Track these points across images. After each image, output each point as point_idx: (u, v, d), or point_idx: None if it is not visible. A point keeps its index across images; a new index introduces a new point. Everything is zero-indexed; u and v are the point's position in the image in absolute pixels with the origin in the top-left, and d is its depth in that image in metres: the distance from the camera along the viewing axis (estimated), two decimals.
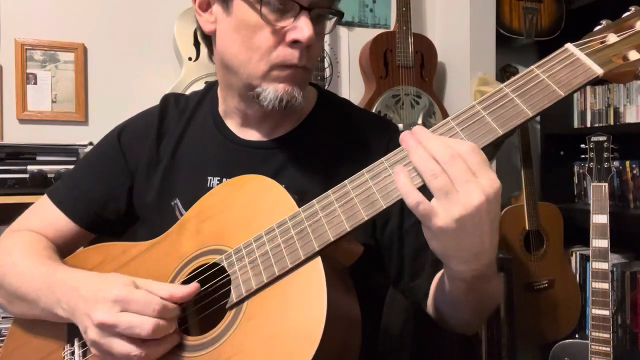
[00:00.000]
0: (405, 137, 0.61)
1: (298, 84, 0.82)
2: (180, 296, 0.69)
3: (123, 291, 0.68)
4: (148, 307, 0.67)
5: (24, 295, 0.80)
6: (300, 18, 0.77)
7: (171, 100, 1.00)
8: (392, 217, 0.87)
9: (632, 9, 0.62)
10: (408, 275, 0.87)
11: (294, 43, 0.78)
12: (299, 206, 0.68)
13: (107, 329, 0.67)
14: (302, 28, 0.77)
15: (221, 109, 0.95)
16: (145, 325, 0.65)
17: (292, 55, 0.79)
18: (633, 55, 0.59)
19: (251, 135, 0.92)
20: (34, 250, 0.86)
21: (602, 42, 0.61)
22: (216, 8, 0.83)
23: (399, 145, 0.86)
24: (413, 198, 0.58)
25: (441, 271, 0.79)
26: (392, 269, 0.89)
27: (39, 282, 0.79)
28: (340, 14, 0.84)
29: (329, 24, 0.87)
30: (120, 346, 0.67)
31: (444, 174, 0.57)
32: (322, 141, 0.91)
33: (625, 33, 0.60)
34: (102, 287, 0.70)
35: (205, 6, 0.85)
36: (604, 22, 0.63)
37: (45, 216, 0.93)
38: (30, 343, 0.83)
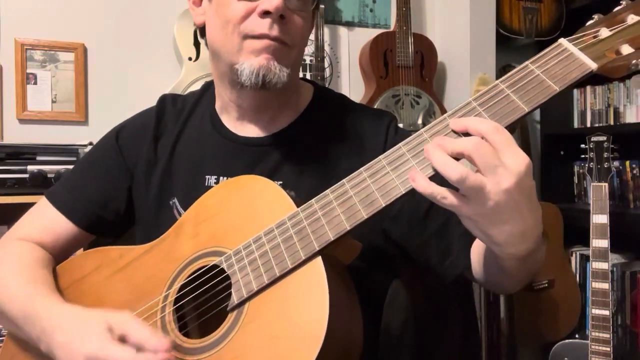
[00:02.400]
0: (425, 147, 0.60)
1: (276, 58, 0.81)
2: (149, 348, 0.65)
3: (95, 347, 0.65)
4: None
5: (10, 318, 0.80)
6: None
7: (168, 101, 1.00)
8: (404, 206, 0.86)
9: (624, 2, 0.62)
10: (437, 256, 0.86)
11: (265, 14, 0.78)
12: (297, 204, 0.68)
13: None
14: None
15: (218, 105, 0.95)
16: None
17: (262, 24, 0.79)
18: (626, 49, 0.59)
19: (248, 131, 0.92)
20: (22, 266, 0.84)
21: (595, 37, 0.61)
22: (205, 1, 0.87)
23: (395, 135, 0.86)
24: (440, 196, 0.58)
25: (479, 245, 0.79)
26: (419, 256, 0.88)
27: (21, 310, 0.77)
28: None
29: (311, 1, 0.86)
30: None
31: (471, 173, 0.56)
32: (319, 136, 0.91)
33: (617, 27, 0.61)
34: (76, 337, 0.68)
35: (199, 2, 0.89)
36: (595, 17, 0.63)
37: (44, 218, 0.93)
38: (26, 351, 0.82)
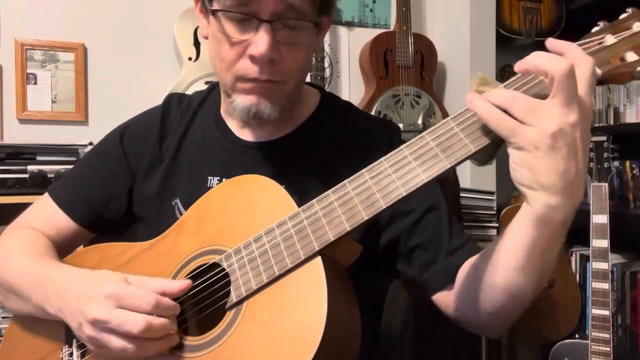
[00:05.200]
0: (468, 96, 0.60)
1: (266, 97, 0.81)
2: (172, 292, 0.69)
3: (116, 287, 0.68)
4: (142, 301, 0.66)
5: (19, 291, 0.81)
6: (259, 32, 0.75)
7: (174, 100, 1.00)
8: (396, 213, 0.85)
9: (630, 10, 0.62)
10: (419, 267, 0.85)
11: (253, 57, 0.77)
12: (299, 206, 0.68)
13: (101, 324, 0.67)
14: (257, 43, 0.75)
15: (223, 108, 0.95)
16: (136, 323, 0.65)
17: (252, 69, 0.78)
18: (630, 56, 0.59)
19: (252, 136, 0.92)
20: (31, 247, 0.86)
21: (599, 43, 0.61)
22: (210, 17, 0.84)
23: (398, 144, 0.86)
24: (496, 116, 0.56)
25: (478, 255, 0.75)
26: (402, 264, 0.88)
27: (32, 278, 0.79)
28: (314, 23, 0.79)
29: (306, 35, 0.81)
30: (115, 341, 0.66)
31: (523, 96, 0.56)
32: (322, 143, 0.91)
33: (623, 34, 0.61)
34: (94, 283, 0.70)
35: (204, 13, 0.86)
36: (601, 24, 0.63)
37: (45, 214, 0.94)
38: (28, 343, 0.83)
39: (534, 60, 0.57)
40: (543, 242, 0.62)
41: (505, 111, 0.57)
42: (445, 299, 0.82)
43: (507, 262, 0.66)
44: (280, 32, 0.77)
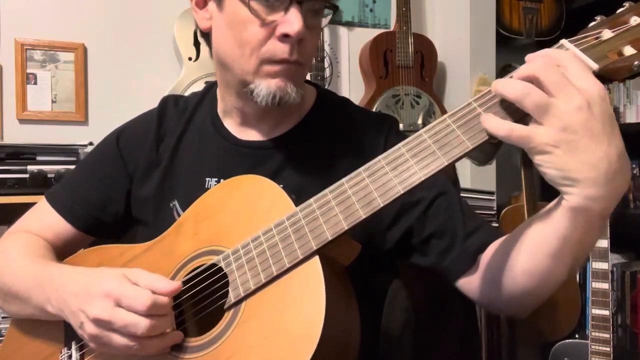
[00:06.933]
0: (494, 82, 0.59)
1: (292, 80, 0.80)
2: (161, 291, 0.68)
3: (114, 284, 0.68)
4: (137, 302, 0.66)
5: (17, 293, 0.81)
6: (290, 11, 0.76)
7: (170, 102, 0.99)
8: (403, 206, 0.84)
9: (627, 4, 0.62)
10: (436, 256, 0.82)
11: (284, 37, 0.77)
12: (297, 206, 0.68)
13: (103, 324, 0.67)
14: (291, 21, 0.75)
15: (220, 108, 0.95)
16: (140, 324, 0.65)
17: (282, 49, 0.78)
18: (628, 50, 0.59)
19: (250, 135, 0.91)
20: (30, 249, 0.86)
21: (597, 38, 0.61)
22: (211, 5, 0.84)
23: (396, 138, 0.86)
24: (503, 128, 0.56)
25: (504, 238, 0.74)
26: (418, 257, 0.86)
27: (30, 280, 0.79)
28: (335, 8, 0.83)
29: (324, 19, 0.85)
30: (118, 340, 0.67)
31: (536, 90, 0.54)
32: (320, 140, 0.90)
33: (620, 29, 0.60)
34: (93, 280, 0.70)
35: (202, 4, 0.85)
36: (598, 18, 0.63)
37: (43, 219, 0.93)
38: (28, 346, 0.83)
39: (517, 79, 0.57)
40: (580, 232, 0.60)
41: (508, 113, 0.57)
42: (469, 284, 0.80)
43: (539, 248, 0.65)
44: (307, 13, 0.78)
